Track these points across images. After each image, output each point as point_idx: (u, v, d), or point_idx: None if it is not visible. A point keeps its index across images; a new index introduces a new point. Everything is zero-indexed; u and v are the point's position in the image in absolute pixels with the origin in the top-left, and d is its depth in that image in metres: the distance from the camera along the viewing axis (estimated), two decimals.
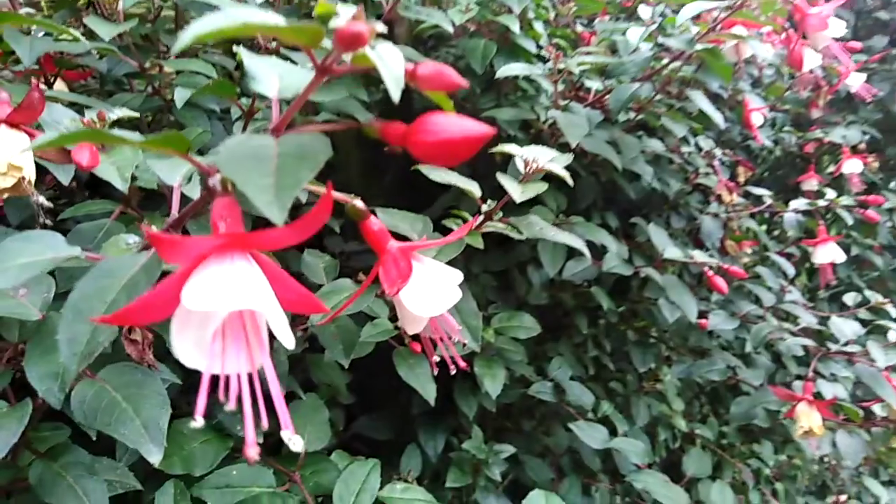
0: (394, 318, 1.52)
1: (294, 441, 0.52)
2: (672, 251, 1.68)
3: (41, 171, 1.46)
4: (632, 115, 1.74)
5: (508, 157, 1.12)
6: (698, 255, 1.66)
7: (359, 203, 0.77)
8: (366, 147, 2.01)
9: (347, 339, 1.26)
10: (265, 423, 0.55)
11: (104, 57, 1.40)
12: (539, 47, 1.65)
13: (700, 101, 1.53)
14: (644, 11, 1.44)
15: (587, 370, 2.24)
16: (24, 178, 0.92)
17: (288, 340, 0.56)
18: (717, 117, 1.55)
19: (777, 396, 1.80)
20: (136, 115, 0.96)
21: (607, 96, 1.67)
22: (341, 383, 1.66)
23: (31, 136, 0.95)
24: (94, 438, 1.09)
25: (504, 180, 1.03)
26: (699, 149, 1.90)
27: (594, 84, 1.64)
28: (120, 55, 1.34)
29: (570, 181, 1.05)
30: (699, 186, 2.13)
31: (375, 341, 1.53)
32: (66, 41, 1.27)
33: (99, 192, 1.27)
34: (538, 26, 1.58)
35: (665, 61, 1.49)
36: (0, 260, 0.73)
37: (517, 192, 1.01)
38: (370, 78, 1.85)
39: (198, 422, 0.50)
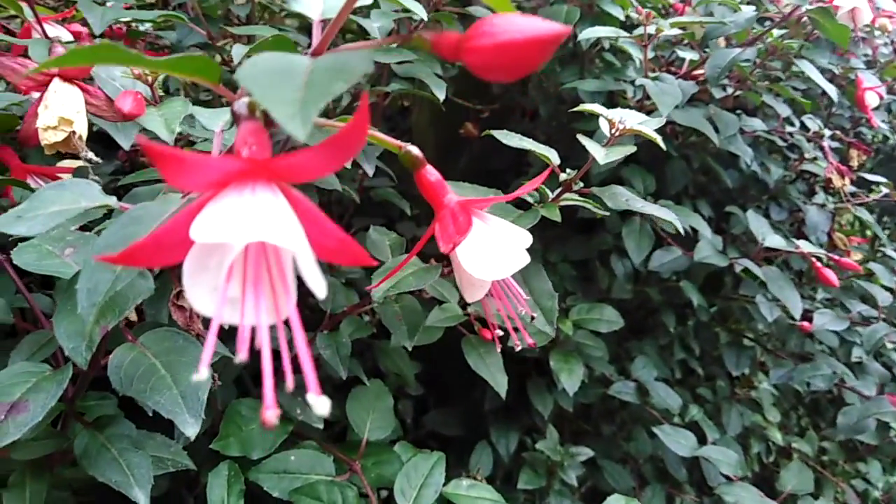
0: (464, 303, 1.43)
1: (320, 403, 0.43)
2: (774, 239, 1.51)
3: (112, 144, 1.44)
4: (729, 90, 1.58)
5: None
6: (804, 245, 1.48)
7: (413, 149, 0.68)
8: (440, 130, 1.93)
9: (412, 321, 1.17)
10: (290, 384, 0.47)
11: (173, 28, 1.37)
12: (627, 18, 1.52)
13: (810, 70, 1.36)
14: None
15: (673, 373, 2.07)
16: (74, 132, 0.88)
17: (319, 287, 0.47)
18: (830, 89, 1.38)
19: (894, 407, 1.60)
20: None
21: (702, 69, 1.52)
22: (409, 373, 1.57)
23: (85, 91, 0.91)
24: (151, 414, 1.05)
25: (586, 142, 0.92)
26: (805, 128, 1.71)
27: (687, 55, 1.49)
28: (190, 25, 1.31)
29: (661, 143, 0.92)
30: (804, 174, 1.93)
31: (444, 327, 1.45)
32: (136, 9, 1.25)
33: None
34: None
35: (770, 25, 1.33)
36: (33, 208, 0.69)
37: (601, 154, 0.89)
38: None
39: (201, 373, 0.42)
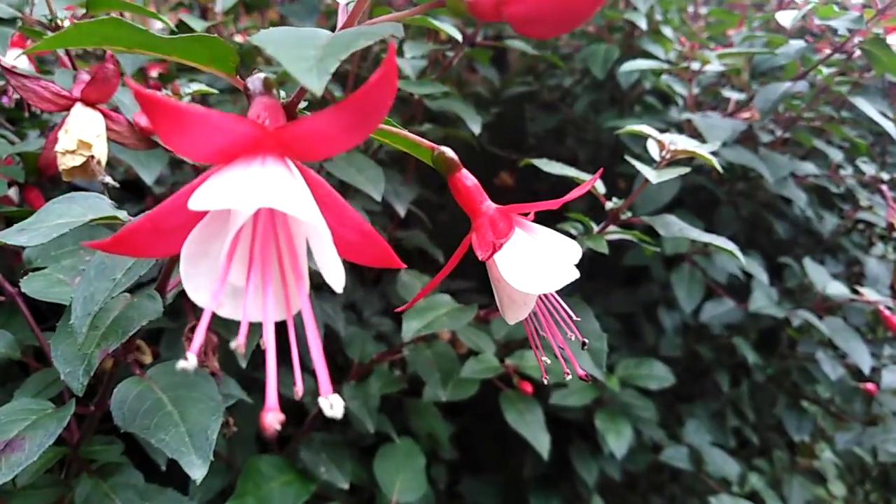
0: (500, 354, 1.34)
1: (334, 405, 0.35)
2: (835, 287, 1.40)
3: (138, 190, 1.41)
4: (777, 133, 1.51)
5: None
6: (868, 293, 1.37)
7: (448, 151, 0.62)
8: (475, 168, 1.88)
9: (446, 368, 1.09)
10: (299, 388, 0.39)
11: None
12: (668, 63, 1.48)
13: (866, 108, 1.29)
14: None
15: (727, 441, 1.92)
16: (93, 157, 0.84)
17: (335, 274, 0.40)
18: (890, 127, 1.29)
19: None
20: (213, 91, 0.87)
21: (747, 112, 1.46)
22: (443, 433, 1.47)
23: (107, 116, 0.88)
24: (164, 468, 0.97)
25: (637, 163, 0.85)
26: (860, 172, 1.62)
27: (734, 95, 1.43)
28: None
29: (717, 164, 0.85)
30: (859, 223, 1.82)
31: (479, 382, 1.36)
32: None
33: None
34: (667, 31, 1.41)
35: (824, 55, 1.26)
36: (38, 220, 0.64)
37: (652, 174, 0.82)
38: (480, 98, 1.73)
39: (189, 361, 0.35)
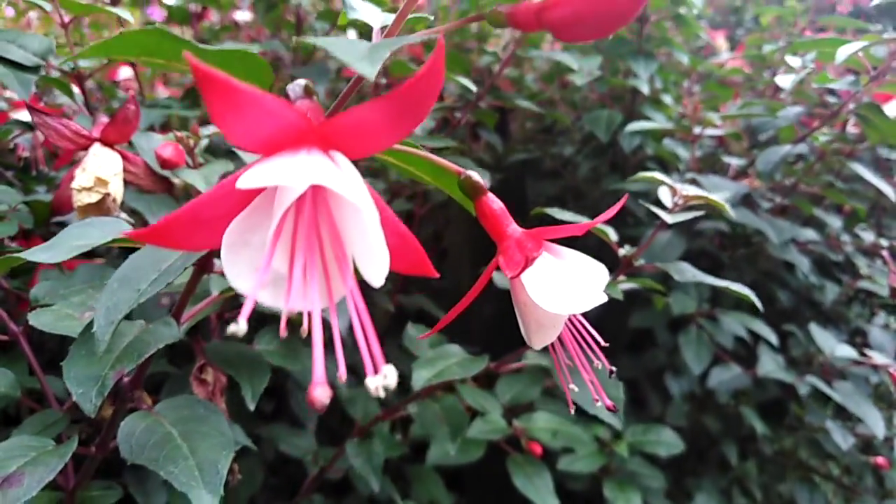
0: (508, 414, 1.31)
1: (388, 374, 0.34)
2: (843, 349, 1.39)
3: None
4: (777, 199, 1.53)
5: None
6: (877, 356, 1.36)
7: (474, 175, 0.62)
8: (476, 249, 1.89)
9: (455, 421, 1.06)
10: (342, 372, 0.37)
11: None
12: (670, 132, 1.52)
13: (863, 172, 1.32)
14: (793, 60, 1.29)
15: None
16: (108, 194, 0.84)
17: (378, 266, 0.40)
18: (888, 191, 1.32)
19: None
20: None
21: (747, 179, 1.49)
22: (446, 502, 1.41)
23: (125, 157, 0.89)
24: None
25: (653, 207, 0.86)
26: (858, 239, 1.64)
27: (734, 161, 1.47)
28: None
29: (729, 210, 0.86)
30: (860, 292, 1.83)
31: (486, 445, 1.32)
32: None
33: None
34: (667, 99, 1.45)
35: (821, 121, 1.30)
36: (58, 242, 0.64)
37: (668, 216, 0.83)
38: (483, 164, 1.76)
39: (240, 325, 0.34)
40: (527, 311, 0.60)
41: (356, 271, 0.42)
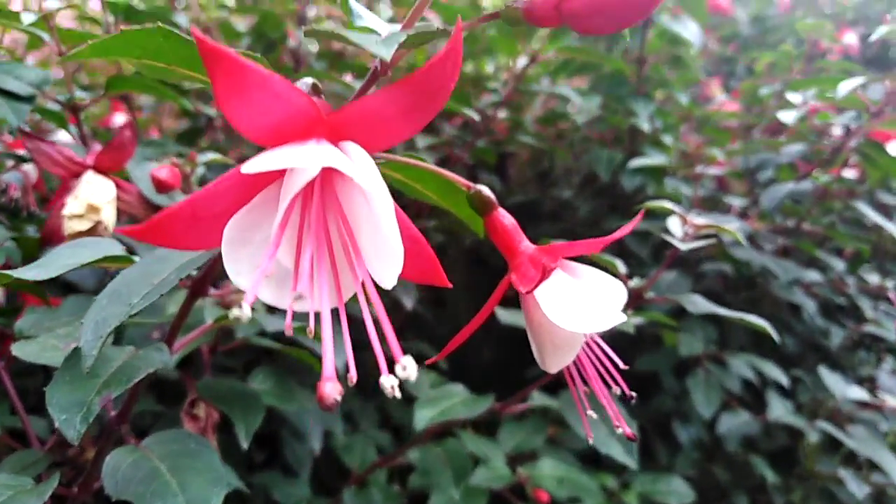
0: (511, 462, 1.25)
1: (408, 367, 0.31)
2: (855, 392, 1.35)
3: None
4: (779, 241, 1.52)
5: None
6: (890, 399, 1.32)
7: (484, 189, 0.60)
8: (476, 295, 1.86)
9: (458, 465, 1.01)
10: (353, 375, 0.34)
11: None
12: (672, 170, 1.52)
13: (867, 211, 1.31)
14: (793, 97, 1.29)
15: None
16: (100, 222, 0.81)
17: (392, 260, 0.37)
18: (892, 228, 1.31)
19: None
20: (230, 161, 0.86)
21: (750, 221, 1.47)
22: None
23: (118, 185, 0.86)
24: None
25: (665, 235, 0.84)
26: (863, 281, 1.61)
27: (736, 201, 1.45)
28: None
29: (742, 240, 0.83)
30: (866, 337, 1.79)
31: (489, 494, 1.26)
32: None
33: None
34: (667, 139, 1.45)
35: (821, 157, 1.29)
36: (48, 261, 0.61)
37: (680, 244, 0.80)
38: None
39: (244, 310, 0.31)
40: (541, 331, 0.57)
41: None
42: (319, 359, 0.37)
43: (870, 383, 1.81)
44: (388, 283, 0.38)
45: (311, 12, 1.50)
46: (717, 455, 1.67)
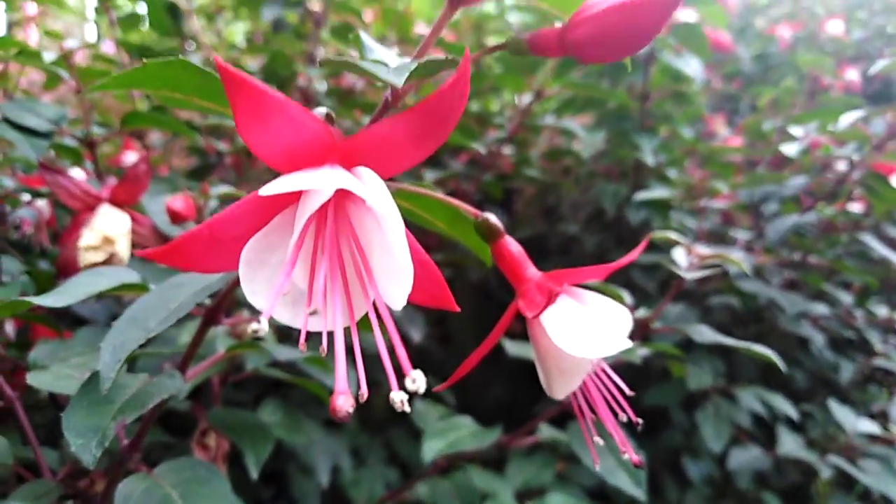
0: (520, 497, 1.24)
1: (417, 379, 0.32)
2: (865, 425, 1.34)
3: None
4: (785, 273, 1.52)
5: None
6: None
7: (491, 217, 0.61)
8: (481, 328, 1.87)
9: (467, 498, 1.00)
10: (364, 389, 0.35)
11: None
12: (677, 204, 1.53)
13: (873, 244, 1.32)
14: (795, 130, 1.31)
15: None
16: (115, 254, 0.83)
17: (401, 281, 0.38)
18: None
19: None
20: (241, 193, 0.88)
21: (758, 253, 1.48)
22: None
23: (133, 218, 0.88)
24: None
25: (671, 265, 0.85)
26: (871, 314, 1.61)
27: (741, 235, 1.46)
28: None
29: (746, 270, 0.84)
30: (877, 371, 1.78)
31: None
32: None
33: None
34: (671, 173, 1.47)
35: (827, 186, 1.30)
36: (67, 289, 0.62)
37: (686, 273, 0.81)
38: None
39: (262, 324, 0.32)
40: (548, 356, 0.57)
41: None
42: (329, 390, 0.38)
43: (883, 418, 1.80)
44: (398, 303, 0.39)
45: (320, 52, 1.54)
46: (728, 492, 1.65)
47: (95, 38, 1.73)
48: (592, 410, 0.61)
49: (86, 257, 0.82)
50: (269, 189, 0.36)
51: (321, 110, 0.49)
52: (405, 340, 1.27)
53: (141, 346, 0.76)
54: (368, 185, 0.38)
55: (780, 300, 1.30)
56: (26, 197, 1.28)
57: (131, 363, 0.72)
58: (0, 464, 0.78)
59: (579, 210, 1.76)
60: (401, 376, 0.34)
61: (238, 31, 2.18)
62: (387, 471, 1.46)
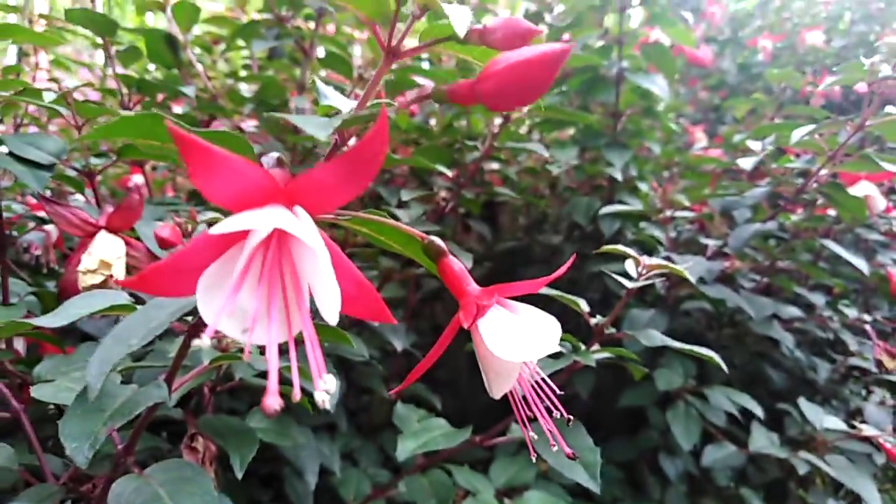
0: (501, 495, 1.31)
1: (328, 380, 0.40)
2: (831, 422, 1.40)
3: None
4: (758, 278, 1.59)
5: None
6: (867, 429, 1.37)
7: (437, 240, 0.69)
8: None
9: (442, 495, 1.07)
10: (296, 392, 0.43)
11: None
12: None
13: (837, 249, 1.38)
14: (754, 144, 1.38)
15: None
16: (111, 276, 0.91)
17: (331, 303, 0.46)
18: (861, 264, 1.38)
19: None
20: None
21: (730, 259, 1.55)
22: None
23: (128, 243, 0.96)
24: None
25: (616, 276, 0.92)
26: (843, 315, 1.67)
27: (710, 242, 1.53)
28: None
29: (689, 277, 0.91)
30: (854, 370, 1.84)
31: None
32: None
33: None
34: (643, 186, 1.54)
35: (786, 200, 1.37)
36: (63, 310, 0.70)
37: (629, 283, 0.89)
38: (473, 252, 1.84)
39: (202, 341, 0.39)
40: (485, 361, 0.65)
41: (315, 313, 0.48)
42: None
43: (861, 416, 1.85)
44: (332, 319, 0.46)
45: (309, 79, 1.63)
46: (708, 489, 1.71)
47: (103, 62, 1.82)
48: (529, 409, 0.68)
49: (84, 280, 0.90)
50: (218, 229, 0.43)
51: (273, 155, 0.57)
52: (389, 349, 1.33)
53: (135, 360, 0.85)
54: (302, 222, 0.46)
55: (745, 306, 1.37)
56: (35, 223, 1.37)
57: (128, 376, 0.80)
58: (6, 469, 0.87)
59: (561, 222, 1.83)
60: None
61: (240, 58, 2.28)
62: (379, 472, 1.53)
